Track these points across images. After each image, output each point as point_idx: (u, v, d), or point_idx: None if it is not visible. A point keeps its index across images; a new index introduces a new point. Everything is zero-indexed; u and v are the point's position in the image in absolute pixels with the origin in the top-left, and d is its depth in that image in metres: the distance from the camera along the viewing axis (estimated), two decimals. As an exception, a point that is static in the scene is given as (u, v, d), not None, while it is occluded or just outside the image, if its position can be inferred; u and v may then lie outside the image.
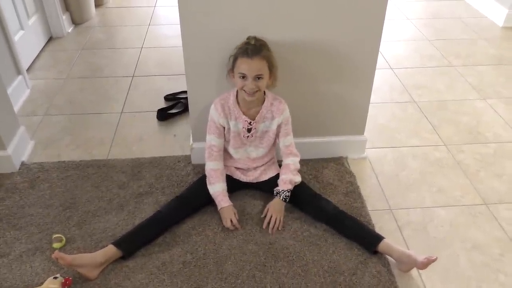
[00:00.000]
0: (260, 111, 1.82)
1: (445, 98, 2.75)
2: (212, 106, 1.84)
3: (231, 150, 1.93)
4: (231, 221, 1.82)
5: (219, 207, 1.86)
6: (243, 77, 1.71)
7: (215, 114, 1.84)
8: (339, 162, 2.21)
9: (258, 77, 1.71)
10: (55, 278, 1.57)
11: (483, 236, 1.86)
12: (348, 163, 2.21)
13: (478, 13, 3.89)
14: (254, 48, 1.68)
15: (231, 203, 1.86)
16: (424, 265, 1.61)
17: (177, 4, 1.73)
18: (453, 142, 2.38)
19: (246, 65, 1.69)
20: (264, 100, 1.83)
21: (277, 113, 1.83)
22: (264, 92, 1.82)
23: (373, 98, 2.48)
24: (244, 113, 1.83)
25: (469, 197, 2.05)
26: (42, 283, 1.58)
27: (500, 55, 3.23)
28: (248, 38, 1.75)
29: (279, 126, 1.86)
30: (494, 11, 3.73)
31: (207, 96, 1.93)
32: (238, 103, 1.83)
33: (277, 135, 1.90)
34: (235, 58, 1.72)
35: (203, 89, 1.95)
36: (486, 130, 2.47)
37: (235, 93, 1.82)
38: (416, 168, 2.21)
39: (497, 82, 2.90)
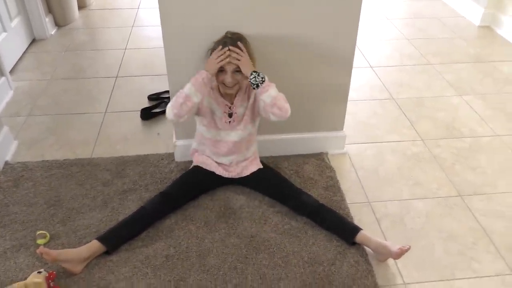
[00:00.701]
0: (237, 96, 1.87)
1: (423, 95, 2.82)
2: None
3: (206, 132, 1.92)
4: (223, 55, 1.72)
5: (200, 72, 1.76)
6: (222, 71, 1.76)
7: (200, 85, 1.76)
8: (319, 158, 2.26)
9: (237, 71, 1.76)
10: (39, 272, 1.60)
11: (458, 226, 1.93)
12: (328, 159, 2.27)
13: (455, 12, 3.99)
14: (231, 41, 1.72)
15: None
16: (397, 255, 1.67)
17: (157, 3, 1.77)
18: (430, 137, 2.45)
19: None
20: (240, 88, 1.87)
21: (251, 94, 1.88)
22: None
23: (353, 95, 2.57)
24: (224, 99, 1.87)
25: (445, 189, 2.12)
26: (26, 278, 1.60)
27: (477, 53, 3.32)
28: (226, 32, 1.79)
29: (255, 98, 1.87)
30: (470, 11, 3.83)
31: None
32: (219, 90, 1.87)
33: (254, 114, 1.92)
34: (210, 53, 1.76)
35: (185, 80, 1.97)
36: (462, 126, 2.54)
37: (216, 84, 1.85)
38: (394, 163, 2.27)
39: (474, 79, 2.99)
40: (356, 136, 2.44)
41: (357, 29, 1.95)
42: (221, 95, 1.87)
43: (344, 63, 2.04)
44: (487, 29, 3.68)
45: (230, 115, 1.90)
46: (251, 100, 1.87)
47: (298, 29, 1.90)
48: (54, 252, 1.62)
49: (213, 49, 1.76)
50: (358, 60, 3.21)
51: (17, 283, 1.56)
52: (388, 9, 4.08)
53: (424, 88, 2.90)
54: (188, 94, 1.73)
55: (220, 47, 1.73)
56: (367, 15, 3.95)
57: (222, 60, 1.72)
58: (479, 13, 3.72)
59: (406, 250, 1.67)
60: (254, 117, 1.92)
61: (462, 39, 3.54)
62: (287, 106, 1.77)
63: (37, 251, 1.61)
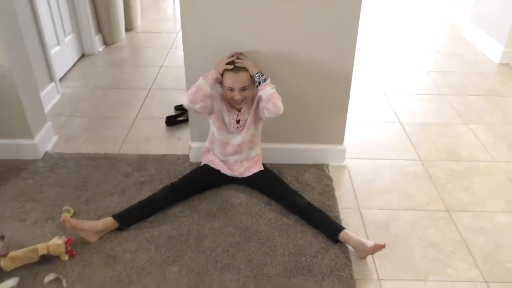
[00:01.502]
0: (244, 107, 2.13)
1: (430, 121, 2.98)
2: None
3: (216, 133, 2.18)
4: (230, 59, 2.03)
5: (210, 73, 2.04)
6: (231, 89, 2.03)
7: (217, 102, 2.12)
8: (320, 168, 2.46)
9: (244, 88, 2.03)
10: (60, 237, 1.88)
11: (440, 237, 2.06)
12: (328, 169, 2.47)
13: (476, 50, 4.13)
14: (236, 64, 2.01)
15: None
16: (372, 249, 1.84)
17: (180, 19, 2.08)
18: (429, 159, 2.59)
19: (232, 80, 2.01)
20: None
21: (252, 101, 2.13)
22: None
23: (361, 117, 2.79)
24: (232, 107, 2.14)
25: (434, 204, 2.26)
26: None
27: (492, 87, 3.45)
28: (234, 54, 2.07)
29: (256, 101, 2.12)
30: (491, 48, 3.97)
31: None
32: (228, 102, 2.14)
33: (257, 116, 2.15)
34: (222, 73, 2.04)
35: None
36: (462, 150, 2.68)
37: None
38: (389, 178, 2.44)
39: (483, 111, 3.12)
40: (358, 152, 2.62)
41: (355, 49, 2.17)
42: (231, 106, 2.14)
43: (343, 83, 2.26)
44: (506, 67, 3.80)
45: (238, 122, 2.15)
46: (254, 105, 2.13)
47: (300, 47, 2.15)
48: (74, 221, 1.91)
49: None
50: (370, 86, 3.42)
51: (41, 244, 1.84)
52: (411, 43, 4.28)
53: (432, 115, 3.05)
54: (198, 84, 2.03)
55: (231, 52, 2.03)
56: (385, 46, 4.18)
57: (229, 63, 2.01)
58: (499, 51, 3.85)
59: (381, 246, 1.83)
60: (256, 120, 2.17)
61: (479, 74, 3.67)
62: (280, 105, 2.00)
63: (61, 218, 1.90)
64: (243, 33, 2.11)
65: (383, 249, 1.86)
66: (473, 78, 3.60)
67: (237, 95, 2.03)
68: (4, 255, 1.76)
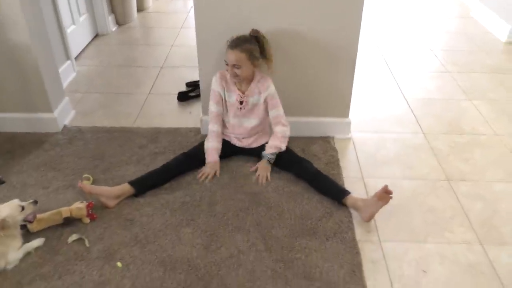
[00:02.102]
0: (250, 87, 2.22)
1: (434, 97, 3.06)
2: (214, 77, 2.26)
3: (229, 118, 2.32)
4: (207, 175, 2.22)
5: (207, 161, 2.26)
6: (226, 63, 2.14)
7: (214, 84, 2.25)
8: (326, 140, 2.57)
9: (236, 66, 2.12)
10: (81, 202, 2.01)
11: (439, 204, 2.16)
12: (334, 142, 2.57)
13: (484, 29, 4.17)
14: (237, 41, 2.10)
15: (218, 161, 2.27)
16: (379, 195, 1.98)
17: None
18: (432, 132, 2.68)
19: (228, 55, 2.12)
20: (253, 79, 2.23)
21: (263, 89, 2.23)
22: (254, 72, 2.21)
23: (367, 92, 2.87)
24: (238, 88, 2.24)
25: (435, 174, 2.35)
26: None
27: (497, 65, 3.50)
28: (250, 31, 2.16)
29: (265, 100, 2.25)
30: (498, 28, 4.01)
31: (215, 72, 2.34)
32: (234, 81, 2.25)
33: (267, 108, 2.28)
34: (226, 46, 2.14)
35: (212, 67, 2.36)
36: (464, 124, 2.76)
37: None
38: (393, 150, 2.53)
39: (487, 87, 3.19)
40: (363, 126, 2.72)
41: (360, 27, 2.26)
42: (236, 85, 2.25)
43: (348, 59, 2.35)
44: (512, 45, 3.85)
45: (241, 103, 2.26)
46: (264, 106, 2.26)
47: (308, 24, 2.24)
48: (89, 186, 2.05)
49: (229, 41, 2.12)
50: (377, 63, 3.50)
51: (65, 207, 1.98)
52: (419, 22, 4.33)
53: (436, 92, 3.13)
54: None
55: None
56: (394, 25, 4.23)
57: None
58: (506, 30, 3.89)
59: (389, 191, 1.97)
60: (265, 113, 2.31)
61: (485, 52, 3.73)
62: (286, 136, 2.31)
63: (78, 185, 2.04)
64: (254, 11, 2.21)
65: (389, 199, 2.00)
66: (479, 56, 3.65)
67: (230, 70, 2.14)
68: (32, 221, 1.89)
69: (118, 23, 4.08)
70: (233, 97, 2.25)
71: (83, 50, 3.60)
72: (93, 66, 3.40)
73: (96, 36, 3.86)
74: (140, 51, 3.66)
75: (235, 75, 2.14)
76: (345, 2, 2.19)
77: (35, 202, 1.89)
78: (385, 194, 1.99)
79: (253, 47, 2.13)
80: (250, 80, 2.22)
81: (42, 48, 2.44)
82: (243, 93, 2.23)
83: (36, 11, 2.39)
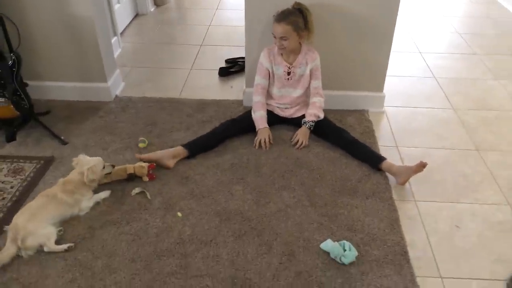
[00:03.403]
0: (297, 58, 2.40)
1: (462, 76, 3.20)
2: (262, 53, 2.44)
3: (275, 90, 2.50)
4: (263, 140, 2.39)
5: (257, 128, 2.44)
6: (274, 36, 2.31)
7: (262, 58, 2.43)
8: (360, 113, 2.73)
9: (283, 38, 2.29)
10: (144, 162, 2.22)
11: (469, 170, 2.32)
12: (368, 114, 2.73)
13: (509, 13, 4.27)
14: (282, 14, 2.27)
15: (268, 127, 2.44)
16: (416, 168, 2.14)
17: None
18: (461, 108, 2.83)
19: (274, 28, 2.29)
20: (300, 51, 2.40)
21: (310, 60, 2.40)
22: (301, 44, 2.39)
23: (400, 72, 3.03)
24: (285, 60, 2.41)
25: (465, 144, 2.51)
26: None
27: (523, 48, 3.62)
28: (294, 3, 2.33)
29: (311, 71, 2.42)
30: (524, 12, 4.11)
31: (260, 48, 2.50)
32: (281, 53, 2.42)
33: (310, 78, 2.46)
34: (272, 20, 2.31)
35: (258, 42, 2.53)
36: (492, 101, 2.90)
37: None
38: (424, 122, 2.69)
39: (513, 68, 3.32)
40: (396, 101, 2.87)
41: (399, 4, 2.41)
42: (283, 57, 2.42)
43: (386, 33, 2.51)
44: (538, 29, 3.95)
45: (288, 73, 2.43)
46: (308, 78, 2.45)
47: (350, 1, 2.40)
48: (147, 155, 2.25)
49: (275, 15, 2.29)
50: (408, 46, 3.63)
51: (129, 164, 2.19)
52: (446, 8, 4.44)
53: (464, 71, 3.27)
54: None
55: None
56: (424, 10, 4.35)
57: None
58: (532, 14, 3.99)
59: (424, 165, 2.12)
60: (309, 84, 2.48)
61: (511, 35, 3.83)
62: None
63: (136, 156, 2.24)
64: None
65: (423, 170, 2.15)
66: (505, 39, 3.77)
67: (277, 42, 2.31)
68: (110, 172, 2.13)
69: (156, 4, 4.26)
70: (281, 69, 2.42)
71: (126, 28, 3.80)
72: (136, 43, 3.60)
73: (136, 15, 4.05)
74: (179, 30, 3.85)
75: (283, 47, 2.31)
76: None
77: (113, 166, 2.11)
78: (420, 167, 2.15)
79: (297, 19, 2.29)
80: (296, 52, 2.39)
81: (101, 21, 2.64)
82: (291, 64, 2.40)
83: (96, -13, 2.58)
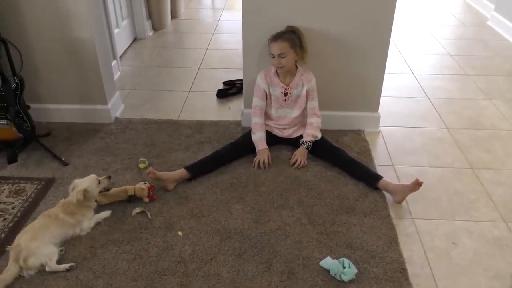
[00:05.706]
0: (293, 80, 2.46)
1: (455, 97, 3.27)
2: (258, 75, 2.50)
3: (273, 111, 2.56)
4: (263, 161, 2.43)
5: (257, 149, 2.48)
6: (273, 56, 2.38)
7: (259, 80, 2.49)
8: (356, 133, 2.79)
9: (281, 56, 2.36)
10: (144, 183, 2.24)
11: (464, 188, 2.37)
12: (364, 134, 2.79)
13: (501, 36, 4.39)
14: (278, 34, 2.36)
15: (267, 148, 2.49)
16: (412, 187, 2.17)
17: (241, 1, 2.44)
18: (454, 127, 2.89)
19: (272, 47, 2.37)
20: (296, 72, 2.47)
21: (306, 81, 2.46)
22: (297, 66, 2.45)
23: (394, 93, 3.09)
24: (281, 82, 2.47)
25: (459, 163, 2.56)
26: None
27: (513, 69, 3.72)
28: (286, 27, 2.41)
29: (307, 92, 2.48)
30: (514, 35, 4.23)
31: (258, 69, 2.57)
32: (277, 74, 2.48)
33: (306, 99, 2.51)
34: (268, 43, 2.39)
35: (255, 64, 2.60)
36: (484, 121, 2.97)
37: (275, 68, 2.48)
38: (419, 142, 2.74)
39: (505, 88, 3.39)
40: (391, 121, 2.93)
41: (392, 25, 2.49)
42: (279, 78, 2.48)
43: (379, 56, 2.58)
44: (528, 51, 4.06)
45: (285, 94, 2.49)
46: (305, 99, 2.51)
47: (341, 24, 2.48)
48: (158, 173, 2.26)
49: (268, 41, 2.37)
50: (402, 67, 3.72)
51: (129, 186, 2.21)
52: (438, 30, 4.56)
53: (457, 92, 3.35)
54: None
55: None
56: (416, 32, 4.47)
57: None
58: (522, 36, 4.10)
59: (420, 183, 2.16)
60: (305, 104, 2.54)
61: (502, 57, 3.94)
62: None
63: (147, 171, 2.26)
64: (292, 13, 2.45)
65: (419, 188, 2.18)
66: (496, 61, 3.87)
67: (276, 60, 2.37)
68: (109, 189, 2.15)
69: (154, 28, 4.35)
70: (278, 90, 2.48)
71: (125, 52, 3.87)
72: (135, 67, 3.67)
73: (135, 39, 4.14)
74: (177, 53, 3.93)
75: (281, 66, 2.38)
76: (378, 7, 2.43)
77: (109, 177, 2.12)
78: (416, 186, 2.19)
79: (293, 36, 2.38)
80: (292, 73, 2.46)
81: (101, 45, 2.70)
82: (288, 85, 2.47)
83: (98, 11, 2.65)
